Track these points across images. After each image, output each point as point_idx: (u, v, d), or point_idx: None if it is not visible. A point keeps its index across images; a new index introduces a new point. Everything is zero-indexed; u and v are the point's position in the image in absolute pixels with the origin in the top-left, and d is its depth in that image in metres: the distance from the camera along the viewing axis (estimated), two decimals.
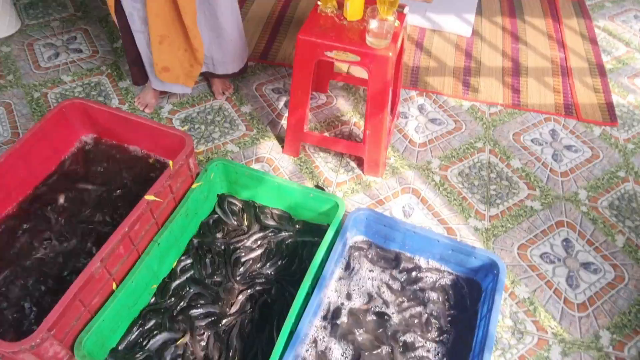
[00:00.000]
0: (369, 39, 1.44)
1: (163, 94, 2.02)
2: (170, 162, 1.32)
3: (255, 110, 2.01)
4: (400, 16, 1.54)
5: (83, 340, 1.12)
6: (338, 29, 1.49)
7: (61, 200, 1.43)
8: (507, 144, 1.94)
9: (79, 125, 1.55)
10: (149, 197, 1.25)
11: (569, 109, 2.09)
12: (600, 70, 2.27)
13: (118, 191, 1.46)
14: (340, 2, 1.56)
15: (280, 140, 1.90)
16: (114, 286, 1.22)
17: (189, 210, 1.43)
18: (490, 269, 1.36)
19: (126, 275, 1.25)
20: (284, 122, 1.96)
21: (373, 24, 1.41)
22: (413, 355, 1.29)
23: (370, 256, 1.48)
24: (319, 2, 1.55)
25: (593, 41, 2.44)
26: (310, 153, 1.86)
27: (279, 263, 1.48)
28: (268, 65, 2.21)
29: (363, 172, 1.80)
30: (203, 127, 1.93)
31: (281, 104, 2.04)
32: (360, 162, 1.83)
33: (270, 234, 1.54)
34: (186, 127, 1.91)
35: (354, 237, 1.52)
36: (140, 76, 1.89)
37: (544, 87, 2.18)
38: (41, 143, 1.43)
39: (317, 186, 1.74)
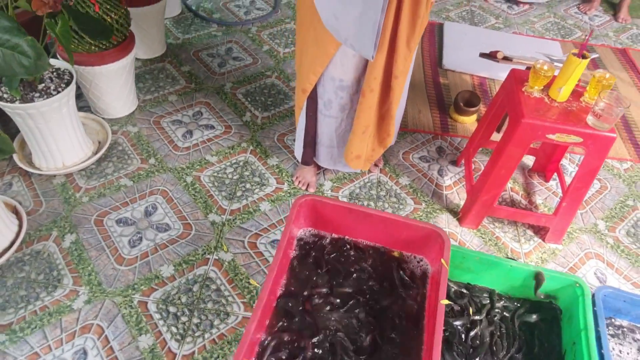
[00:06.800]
0: (593, 121, 1.50)
1: (318, 169, 1.98)
2: (443, 261, 1.30)
3: (413, 181, 2.01)
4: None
5: None
6: (555, 111, 1.54)
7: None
8: None
9: (303, 222, 1.48)
10: (444, 301, 1.22)
11: None
12: None
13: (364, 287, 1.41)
14: (547, 84, 1.60)
15: (451, 212, 1.90)
16: None
17: None
18: None
19: None
20: (446, 192, 1.97)
21: (604, 109, 1.46)
22: None
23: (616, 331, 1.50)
24: (525, 83, 1.60)
25: None
26: (485, 223, 1.87)
27: (520, 346, 1.47)
28: (402, 131, 2.22)
29: (544, 240, 1.83)
30: (372, 203, 1.90)
31: (434, 172, 2.05)
32: (536, 230, 1.86)
33: (496, 316, 1.53)
34: None
35: None
36: (311, 157, 1.85)
37: None
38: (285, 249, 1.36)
39: (508, 257, 1.75)
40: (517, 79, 1.65)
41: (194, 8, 2.88)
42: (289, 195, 1.89)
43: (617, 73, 2.72)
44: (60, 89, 1.68)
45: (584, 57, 1.47)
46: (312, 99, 1.65)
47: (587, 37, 1.50)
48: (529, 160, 2.13)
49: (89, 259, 1.62)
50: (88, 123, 2.03)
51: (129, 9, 1.97)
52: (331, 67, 1.53)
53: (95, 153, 1.92)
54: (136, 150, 1.99)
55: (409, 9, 1.33)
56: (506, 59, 2.63)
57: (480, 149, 2.12)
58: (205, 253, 1.67)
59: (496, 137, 2.07)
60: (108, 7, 1.79)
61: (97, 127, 2.03)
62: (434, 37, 2.88)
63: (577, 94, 1.59)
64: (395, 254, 1.45)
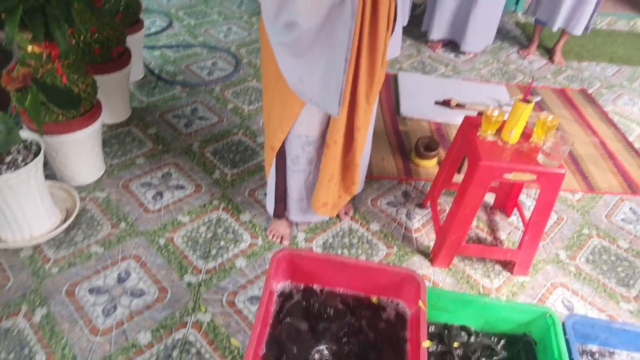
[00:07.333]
0: (543, 159, 1.62)
1: (291, 222, 2.02)
2: (421, 303, 1.34)
3: (384, 226, 2.07)
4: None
5: None
6: (509, 152, 1.66)
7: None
8: (605, 227, 2.18)
9: (282, 276, 1.50)
10: (426, 343, 1.25)
11: (633, 187, 2.41)
12: (635, 150, 2.66)
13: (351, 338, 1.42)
14: (498, 127, 1.73)
15: (422, 253, 1.97)
16: None
17: None
18: None
19: None
20: (415, 235, 2.04)
21: (552, 147, 1.59)
22: None
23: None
24: (479, 128, 1.72)
25: (613, 124, 2.87)
26: (456, 262, 1.94)
27: None
28: (369, 179, 2.30)
29: (512, 273, 1.91)
30: (346, 251, 1.94)
31: (403, 216, 2.13)
32: (503, 265, 1.94)
33: (475, 352, 1.56)
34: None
35: None
36: (282, 210, 1.89)
37: (602, 171, 2.51)
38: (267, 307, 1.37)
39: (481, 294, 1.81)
40: (472, 124, 1.78)
41: (156, 72, 2.95)
42: (264, 249, 1.91)
43: (559, 111, 2.95)
44: (28, 160, 1.67)
45: (528, 102, 1.61)
46: (281, 155, 1.71)
47: (530, 84, 1.65)
48: (490, 198, 2.25)
49: (61, 332, 1.57)
50: (55, 192, 2.01)
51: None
52: (297, 125, 1.60)
53: (64, 222, 1.89)
54: (106, 216, 1.98)
55: (366, 68, 1.43)
56: (459, 105, 2.81)
57: (444, 190, 2.23)
58: (183, 316, 1.65)
59: (457, 178, 2.19)
60: (75, 77, 1.83)
61: (64, 195, 2.01)
62: (390, 87, 3.04)
63: (526, 135, 1.73)
64: (374, 300, 1.49)
